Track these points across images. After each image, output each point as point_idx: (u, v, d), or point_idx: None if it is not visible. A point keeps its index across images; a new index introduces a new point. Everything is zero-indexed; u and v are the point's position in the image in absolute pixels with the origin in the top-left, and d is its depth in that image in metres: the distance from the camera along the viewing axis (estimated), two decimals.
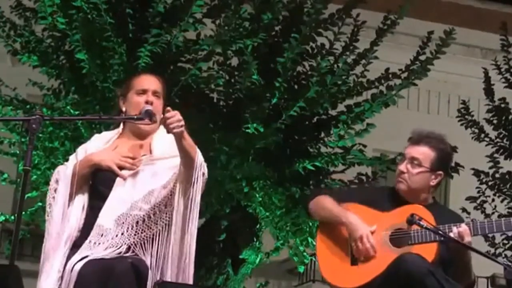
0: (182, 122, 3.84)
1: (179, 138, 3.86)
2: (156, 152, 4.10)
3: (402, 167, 4.68)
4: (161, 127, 4.19)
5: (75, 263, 3.80)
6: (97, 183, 4.09)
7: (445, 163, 4.72)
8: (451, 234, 4.41)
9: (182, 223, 3.93)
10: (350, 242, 4.59)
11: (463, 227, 4.41)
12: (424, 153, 4.65)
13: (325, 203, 4.69)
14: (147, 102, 4.15)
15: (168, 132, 3.86)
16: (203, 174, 3.97)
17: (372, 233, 4.54)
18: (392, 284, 4.37)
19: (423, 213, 4.45)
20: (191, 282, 3.98)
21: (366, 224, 4.56)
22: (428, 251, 4.42)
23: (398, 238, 4.54)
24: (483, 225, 4.47)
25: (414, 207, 4.56)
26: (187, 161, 3.91)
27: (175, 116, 3.83)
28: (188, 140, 3.89)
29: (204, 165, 3.99)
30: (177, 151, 3.98)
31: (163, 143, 4.12)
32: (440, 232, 4.35)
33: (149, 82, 4.23)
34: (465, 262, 4.52)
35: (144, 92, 4.18)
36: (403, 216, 4.43)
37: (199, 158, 3.95)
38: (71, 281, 3.77)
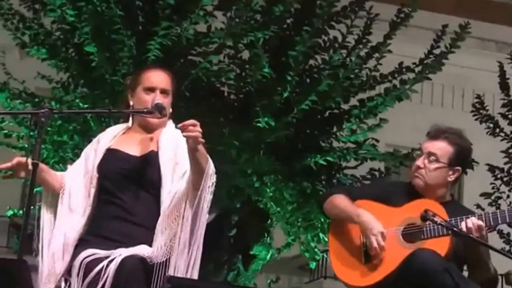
0: (200, 134, 3.77)
1: (194, 148, 3.79)
2: (163, 150, 4.03)
3: (419, 162, 4.60)
4: (170, 122, 4.15)
5: (84, 258, 3.79)
6: (104, 180, 4.04)
7: (463, 159, 4.62)
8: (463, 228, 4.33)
9: (190, 228, 3.89)
10: (363, 240, 4.53)
11: (474, 221, 4.31)
12: (441, 148, 4.57)
13: (338, 202, 4.63)
14: None
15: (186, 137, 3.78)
16: (212, 184, 3.90)
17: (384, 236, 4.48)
18: (406, 281, 4.29)
19: (434, 207, 4.38)
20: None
21: (379, 221, 4.50)
22: (441, 245, 4.34)
23: (410, 233, 4.46)
24: (495, 216, 4.38)
25: (425, 201, 4.49)
26: (198, 169, 3.86)
27: (196, 126, 3.74)
28: (201, 151, 3.82)
29: (214, 176, 3.91)
30: (184, 153, 3.92)
31: (171, 142, 4.05)
32: (455, 229, 4.25)
33: (158, 80, 4.13)
34: (478, 254, 4.42)
35: (152, 90, 4.10)
36: (415, 211, 4.36)
37: (210, 168, 3.88)
38: (80, 276, 3.76)
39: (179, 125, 3.78)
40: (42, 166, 4.01)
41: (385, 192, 4.68)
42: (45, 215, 4.09)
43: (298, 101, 9.13)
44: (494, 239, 4.87)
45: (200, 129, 3.74)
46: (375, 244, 4.44)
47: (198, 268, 3.91)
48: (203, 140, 3.77)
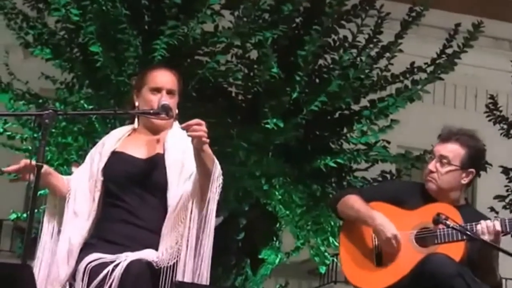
0: (206, 134, 3.73)
1: (199, 149, 3.75)
2: (169, 152, 4.00)
3: (431, 166, 4.56)
4: (176, 123, 4.11)
5: (89, 263, 3.77)
6: (109, 183, 4.02)
7: (476, 160, 4.57)
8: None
9: (197, 230, 3.85)
10: (375, 243, 4.50)
11: (490, 223, 4.28)
12: (453, 150, 4.52)
13: (352, 202, 4.59)
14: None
15: (191, 137, 3.74)
16: (219, 186, 3.86)
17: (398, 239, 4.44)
18: (419, 285, 4.26)
19: (449, 211, 4.32)
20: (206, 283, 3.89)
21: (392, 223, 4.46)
22: (455, 250, 4.30)
23: (424, 238, 4.43)
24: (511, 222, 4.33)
25: (440, 205, 4.44)
26: (204, 171, 3.81)
27: (201, 126, 3.70)
28: (207, 152, 3.77)
29: (221, 178, 3.87)
30: (191, 155, 3.87)
31: (177, 144, 4.01)
32: (468, 232, 4.22)
33: (164, 80, 4.10)
34: (489, 259, 4.39)
35: (158, 90, 4.07)
36: (429, 214, 4.30)
37: (217, 170, 3.83)
38: (85, 280, 3.74)
39: (183, 124, 3.72)
40: (49, 170, 4.02)
41: (399, 194, 4.63)
42: (45, 220, 4.06)
43: (307, 102, 9.06)
44: (506, 242, 4.84)
45: (205, 129, 3.68)
46: (389, 249, 4.39)
47: (209, 272, 3.83)
48: (208, 140, 3.70)
